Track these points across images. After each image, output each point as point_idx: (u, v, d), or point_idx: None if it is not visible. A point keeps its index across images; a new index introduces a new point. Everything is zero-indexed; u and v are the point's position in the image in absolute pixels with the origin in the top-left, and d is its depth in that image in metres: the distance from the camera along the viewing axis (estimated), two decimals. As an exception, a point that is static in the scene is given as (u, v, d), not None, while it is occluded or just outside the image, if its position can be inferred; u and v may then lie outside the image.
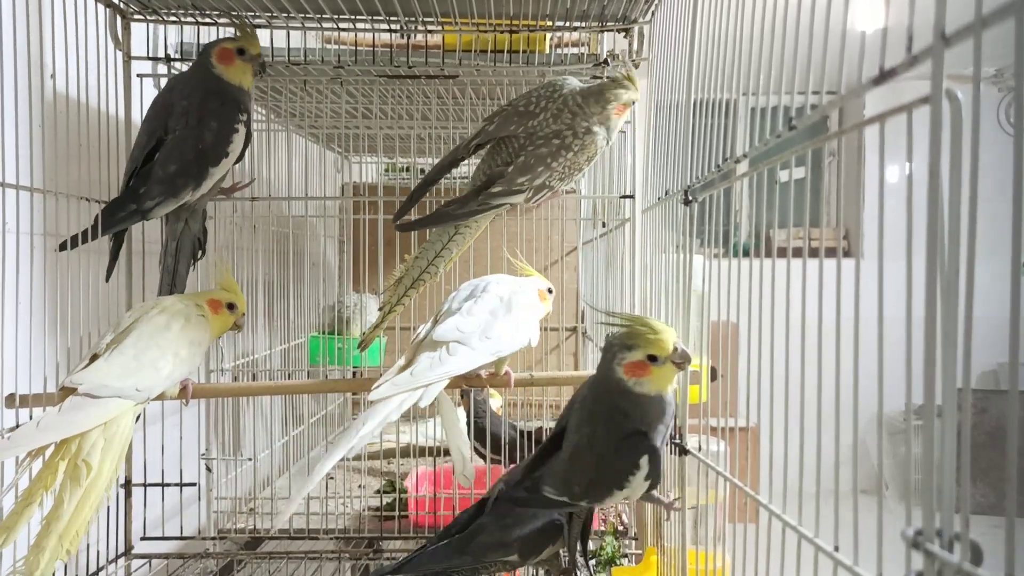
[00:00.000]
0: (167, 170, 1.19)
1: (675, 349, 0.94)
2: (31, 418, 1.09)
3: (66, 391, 0.98)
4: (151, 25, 1.40)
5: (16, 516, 0.91)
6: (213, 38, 1.41)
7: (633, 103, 1.18)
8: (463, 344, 1.02)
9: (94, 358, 1.02)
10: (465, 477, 1.12)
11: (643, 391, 0.96)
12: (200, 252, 1.34)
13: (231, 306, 1.16)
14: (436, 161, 1.27)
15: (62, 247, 1.14)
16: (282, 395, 1.97)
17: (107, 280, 1.25)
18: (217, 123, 1.22)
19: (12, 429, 1.08)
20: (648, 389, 0.96)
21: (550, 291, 1.20)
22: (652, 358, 0.94)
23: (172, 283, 1.28)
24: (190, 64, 1.40)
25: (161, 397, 1.07)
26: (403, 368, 1.01)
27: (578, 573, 1.25)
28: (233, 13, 1.36)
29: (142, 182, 1.20)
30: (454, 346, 1.02)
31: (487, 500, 1.19)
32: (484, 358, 1.04)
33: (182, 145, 1.20)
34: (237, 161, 1.27)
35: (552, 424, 1.78)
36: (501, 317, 1.07)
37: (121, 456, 1.00)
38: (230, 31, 1.40)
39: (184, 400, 1.12)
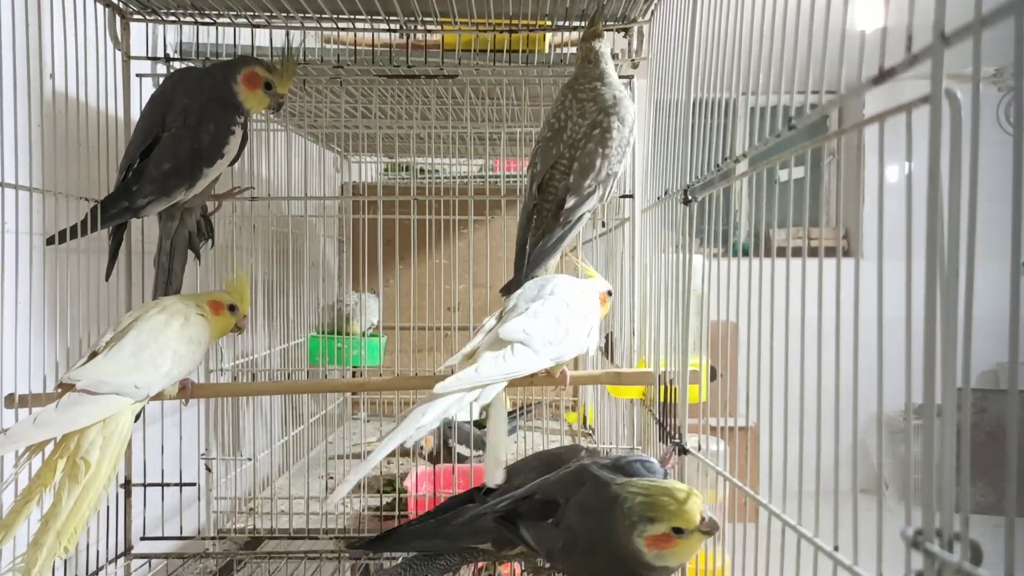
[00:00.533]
0: (160, 168, 1.19)
1: (702, 518, 0.87)
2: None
3: (65, 387, 0.98)
4: (150, 25, 1.40)
5: (15, 514, 0.92)
6: (212, 38, 1.41)
7: (599, 37, 1.19)
8: (527, 346, 1.00)
9: (93, 355, 1.02)
10: (493, 477, 1.11)
11: (664, 564, 0.89)
12: (210, 242, 1.34)
13: (232, 308, 1.15)
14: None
15: (50, 241, 1.14)
16: (282, 395, 1.97)
17: (107, 279, 1.25)
18: (215, 125, 1.21)
19: (12, 429, 1.08)
20: (670, 561, 0.89)
21: (610, 294, 1.18)
22: (678, 530, 0.88)
23: (168, 281, 1.28)
24: (203, 64, 1.40)
25: (160, 396, 1.07)
26: (470, 364, 0.99)
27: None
28: (232, 13, 1.36)
29: (135, 179, 1.19)
30: (518, 347, 1.00)
31: (479, 489, 1.19)
32: (545, 362, 1.03)
33: (178, 144, 1.20)
34: (232, 163, 1.27)
35: (551, 423, 1.78)
36: (565, 322, 1.05)
37: (120, 454, 1.00)
38: (229, 31, 1.40)
39: (183, 400, 1.12)
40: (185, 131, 1.20)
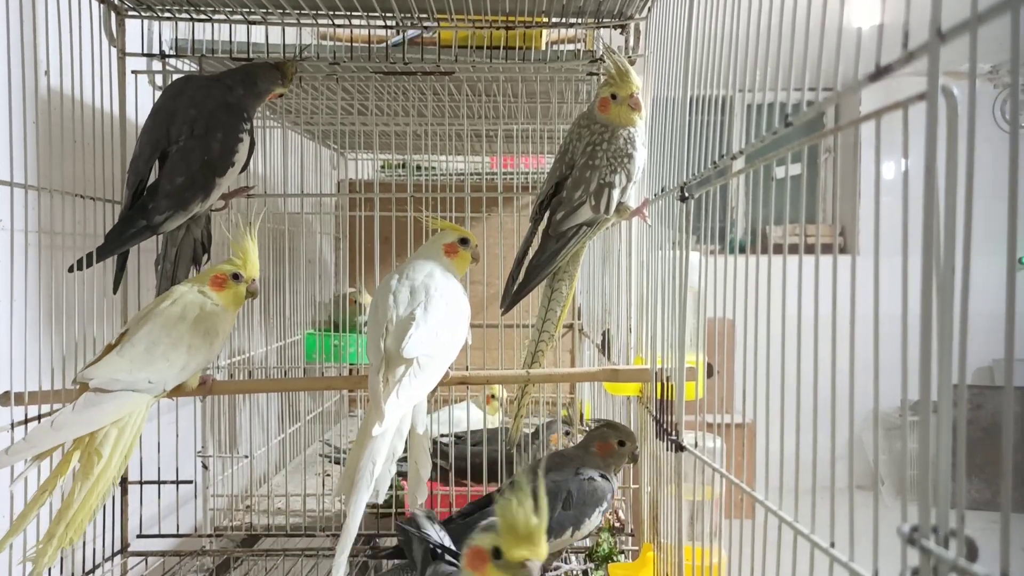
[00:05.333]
0: (174, 183, 1.19)
1: (523, 565, 0.70)
2: (25, 415, 1.09)
3: (82, 387, 0.98)
4: (146, 21, 1.39)
5: (32, 505, 0.94)
6: (208, 34, 1.40)
7: (614, 96, 1.19)
8: (430, 356, 0.99)
9: (109, 349, 1.02)
10: (416, 498, 1.07)
11: None
12: (206, 256, 1.33)
13: (236, 276, 1.10)
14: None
15: (71, 269, 1.14)
16: (279, 392, 1.97)
17: (115, 292, 1.25)
18: (223, 133, 1.21)
19: (18, 425, 1.08)
20: None
21: (463, 242, 1.18)
22: (496, 553, 0.72)
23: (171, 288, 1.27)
24: (199, 61, 1.40)
25: (179, 391, 1.06)
26: (387, 391, 0.95)
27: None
28: (228, 9, 1.35)
29: (151, 196, 1.19)
30: (424, 359, 0.98)
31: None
32: (445, 367, 1.03)
33: (188, 157, 1.19)
34: (243, 170, 1.27)
35: (546, 421, 1.78)
36: (450, 322, 1.04)
37: (131, 447, 1.00)
38: (225, 28, 1.40)
39: (202, 395, 1.12)
40: (193, 142, 1.20)
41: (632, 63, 1.44)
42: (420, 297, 1.04)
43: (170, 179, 1.19)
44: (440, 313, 1.03)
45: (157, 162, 1.22)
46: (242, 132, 1.23)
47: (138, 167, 1.21)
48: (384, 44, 1.46)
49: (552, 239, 1.21)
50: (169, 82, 1.38)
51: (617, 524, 1.54)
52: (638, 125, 1.21)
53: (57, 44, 1.18)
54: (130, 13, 1.36)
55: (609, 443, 1.25)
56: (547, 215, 1.24)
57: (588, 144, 1.20)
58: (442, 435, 1.74)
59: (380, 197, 1.61)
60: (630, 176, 1.20)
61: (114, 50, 1.35)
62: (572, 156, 1.22)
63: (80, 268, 1.14)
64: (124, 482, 1.40)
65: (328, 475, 1.92)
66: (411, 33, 1.46)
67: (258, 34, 1.42)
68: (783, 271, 0.68)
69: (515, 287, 1.23)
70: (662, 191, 1.16)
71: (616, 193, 1.19)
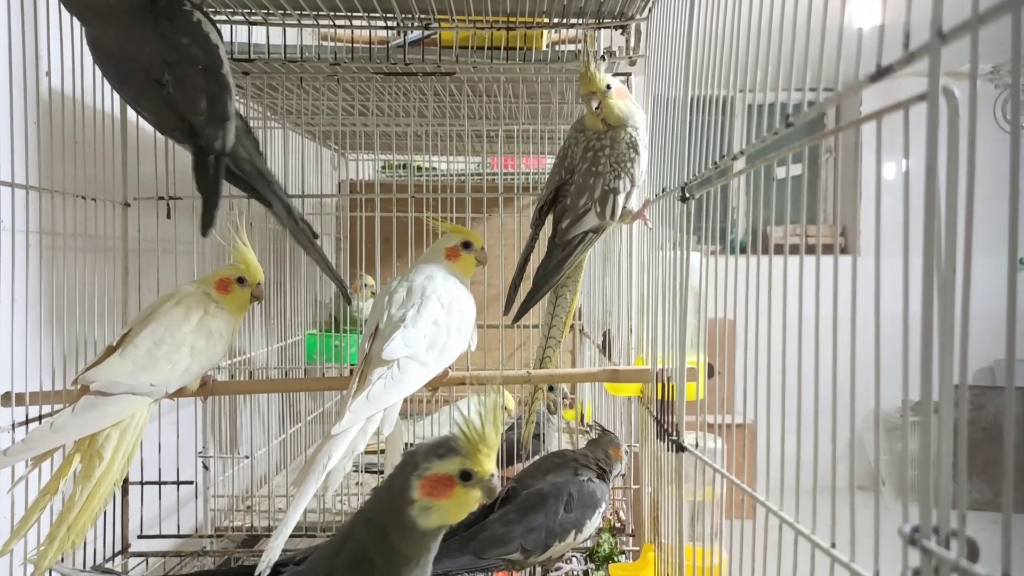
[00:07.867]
0: (199, 109, 1.06)
1: (492, 475, 0.72)
2: (26, 415, 1.09)
3: (83, 389, 0.97)
4: (147, 22, 1.39)
5: (34, 508, 0.93)
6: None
7: (588, 95, 1.18)
8: (413, 360, 0.98)
9: (110, 351, 1.02)
10: None
11: (426, 523, 0.72)
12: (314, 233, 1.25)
13: (241, 280, 1.10)
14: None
15: (204, 232, 1.05)
16: (280, 393, 1.97)
17: (204, 235, 1.08)
18: (191, 39, 1.05)
19: (19, 425, 1.08)
20: (432, 520, 0.72)
21: (465, 246, 1.15)
22: (466, 475, 0.71)
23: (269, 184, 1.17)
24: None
25: (181, 393, 1.06)
26: (359, 391, 0.95)
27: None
28: (228, 10, 1.36)
29: (194, 135, 1.07)
30: (405, 362, 0.97)
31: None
32: (434, 371, 1.01)
33: (186, 83, 1.05)
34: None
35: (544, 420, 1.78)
36: (444, 325, 1.02)
37: (133, 449, 1.00)
38: (226, 28, 1.40)
39: (203, 396, 1.11)
40: (181, 70, 1.05)
41: (633, 63, 1.44)
42: (415, 299, 1.03)
43: (192, 110, 1.06)
44: (432, 316, 1.02)
45: (170, 110, 1.08)
46: (199, 23, 1.07)
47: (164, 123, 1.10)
48: (385, 45, 1.46)
49: (558, 247, 1.20)
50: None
51: (618, 524, 1.54)
52: (636, 126, 1.20)
53: (58, 45, 1.18)
54: (131, 14, 1.36)
55: (619, 450, 1.29)
56: (551, 222, 1.24)
57: (588, 149, 1.19)
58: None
59: (381, 198, 1.61)
60: (634, 181, 1.19)
61: (115, 51, 1.35)
62: (572, 161, 1.22)
63: (209, 226, 1.05)
64: (125, 482, 1.40)
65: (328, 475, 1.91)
66: (415, 36, 1.46)
67: (259, 34, 1.42)
68: (784, 271, 0.68)
69: (521, 295, 1.23)
70: (663, 191, 1.16)
71: (621, 199, 1.19)
